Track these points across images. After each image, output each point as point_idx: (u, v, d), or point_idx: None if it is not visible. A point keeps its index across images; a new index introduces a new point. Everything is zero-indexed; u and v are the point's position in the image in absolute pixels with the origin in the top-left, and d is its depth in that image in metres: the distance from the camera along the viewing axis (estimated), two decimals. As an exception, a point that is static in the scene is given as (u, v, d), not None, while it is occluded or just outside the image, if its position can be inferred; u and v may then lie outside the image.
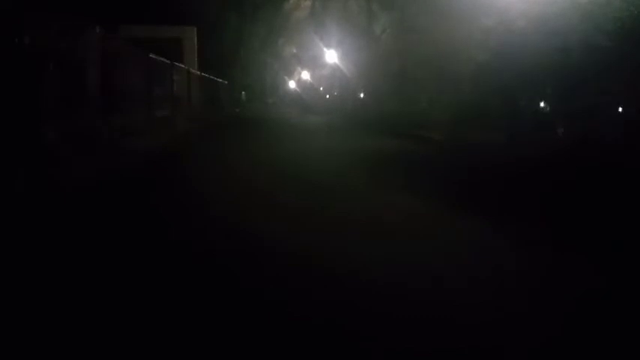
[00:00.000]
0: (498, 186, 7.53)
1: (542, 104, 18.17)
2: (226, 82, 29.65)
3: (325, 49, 32.02)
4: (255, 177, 8.14)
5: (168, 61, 14.04)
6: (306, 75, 44.72)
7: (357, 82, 27.47)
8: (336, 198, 6.59)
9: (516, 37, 13.49)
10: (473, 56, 15.11)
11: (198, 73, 20.96)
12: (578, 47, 12.65)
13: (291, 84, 51.87)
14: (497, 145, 13.12)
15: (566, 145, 12.86)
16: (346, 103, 29.71)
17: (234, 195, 6.51)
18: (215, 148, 11.79)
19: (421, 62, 18.12)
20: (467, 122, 16.39)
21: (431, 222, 5.49)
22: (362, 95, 27.81)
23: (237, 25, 34.25)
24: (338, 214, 5.65)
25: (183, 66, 17.22)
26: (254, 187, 7.36)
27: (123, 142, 9.60)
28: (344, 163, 10.23)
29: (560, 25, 12.59)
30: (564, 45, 12.67)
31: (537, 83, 14.07)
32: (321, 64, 37.39)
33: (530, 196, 6.67)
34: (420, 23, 19.41)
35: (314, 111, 35.09)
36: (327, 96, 42.98)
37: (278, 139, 14.94)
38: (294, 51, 45.42)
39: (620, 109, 14.98)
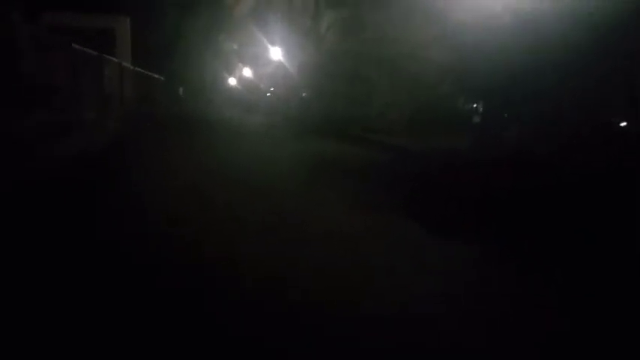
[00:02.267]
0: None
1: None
2: (163, 78, 27.90)
3: (269, 46, 30.83)
4: (189, 192, 7.01)
5: (96, 54, 12.50)
6: (247, 72, 43.27)
7: (302, 82, 26.43)
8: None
9: (481, 37, 12.83)
10: (431, 57, 14.43)
11: (132, 67, 19.30)
12: (540, 52, 12.19)
13: (232, 81, 50.18)
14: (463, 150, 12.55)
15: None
16: (290, 102, 28.66)
17: (162, 227, 5.40)
18: (147, 157, 10.44)
19: (373, 62, 17.30)
20: (424, 126, 15.75)
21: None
22: (304, 95, 26.84)
23: (176, 19, 32.49)
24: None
25: (114, 59, 15.62)
26: (186, 204, 6.27)
27: (39, 147, 8.15)
28: (300, 176, 9.24)
29: (526, 26, 12.05)
30: (530, 48, 12.17)
31: (502, 86, 13.53)
32: (263, 61, 36.10)
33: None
34: (370, 21, 18.62)
35: (256, 110, 33.87)
36: (268, 94, 41.78)
37: (218, 145, 13.67)
38: (235, 47, 43.81)
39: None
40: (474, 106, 20.27)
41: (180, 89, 39.61)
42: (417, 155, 11.85)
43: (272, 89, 40.05)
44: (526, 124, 14.36)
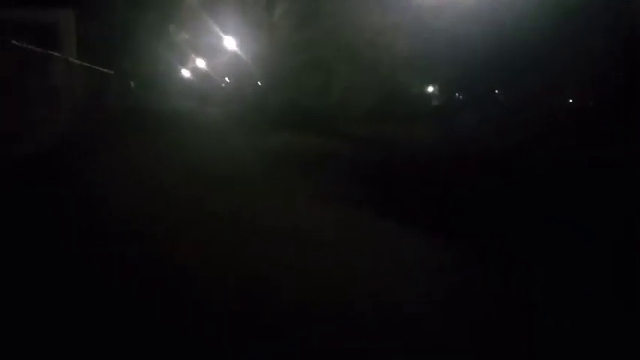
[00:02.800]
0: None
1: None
2: (113, 72, 26.90)
3: (222, 36, 30.14)
4: (150, 193, 6.66)
5: (40, 50, 11.82)
6: (201, 63, 42.32)
7: (257, 71, 25.93)
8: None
9: (442, 22, 12.70)
10: (393, 43, 14.24)
11: (80, 63, 18.46)
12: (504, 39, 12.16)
13: (186, 72, 49.01)
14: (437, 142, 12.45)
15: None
16: (245, 92, 28.15)
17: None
18: (105, 155, 9.97)
19: (330, 50, 17.03)
20: (384, 115, 15.61)
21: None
22: (260, 84, 26.39)
23: (124, 10, 31.32)
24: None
25: (60, 56, 14.87)
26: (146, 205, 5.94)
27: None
28: (259, 168, 8.97)
29: (490, 10, 11.95)
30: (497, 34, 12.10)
31: (465, 73, 13.48)
32: (216, 51, 35.34)
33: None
34: (325, 9, 18.31)
35: (212, 102, 33.20)
36: (223, 85, 41.02)
37: (179, 140, 13.24)
38: (187, 38, 42.69)
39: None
40: (432, 92, 20.31)
41: (132, 83, 38.41)
42: (378, 145, 11.71)
43: (226, 79, 39.33)
44: (489, 113, 14.38)
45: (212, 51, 35.92)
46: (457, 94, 19.57)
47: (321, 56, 17.76)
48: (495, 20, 11.69)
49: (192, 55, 43.05)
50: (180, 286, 3.73)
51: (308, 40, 18.93)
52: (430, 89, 20.72)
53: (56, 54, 14.18)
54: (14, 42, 10.31)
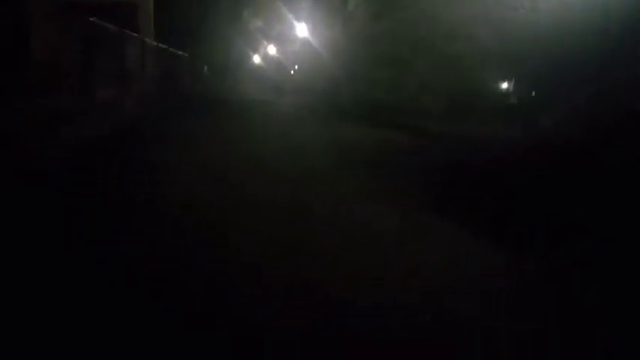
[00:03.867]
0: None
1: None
2: (187, 55, 27.16)
3: (295, 23, 29.88)
4: (218, 193, 6.22)
5: (117, 29, 11.75)
6: (272, 50, 42.35)
7: (331, 62, 25.38)
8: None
9: (528, 17, 11.82)
10: (474, 36, 13.34)
11: (155, 44, 18.55)
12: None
13: (257, 59, 49.30)
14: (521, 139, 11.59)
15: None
16: (317, 82, 27.73)
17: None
18: (172, 146, 9.71)
19: (408, 43, 16.24)
20: (462, 111, 14.74)
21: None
22: (332, 73, 25.87)
23: (200, -6, 31.65)
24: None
25: (136, 35, 14.87)
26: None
27: (50, 132, 7.47)
28: (335, 166, 8.41)
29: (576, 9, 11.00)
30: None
31: (550, 70, 12.53)
32: (288, 38, 35.18)
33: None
34: (407, 1, 17.52)
35: (282, 90, 33.06)
36: (292, 72, 40.79)
37: (252, 132, 12.90)
38: (260, 24, 42.82)
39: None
40: (506, 88, 19.14)
41: (205, 67, 38.89)
42: (458, 143, 10.94)
43: (296, 67, 39.06)
44: (571, 111, 13.40)
45: (285, 38, 35.85)
46: (533, 92, 18.44)
47: (397, 49, 16.99)
48: (584, 15, 10.70)
49: (265, 42, 43.19)
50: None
51: (384, 31, 18.20)
52: (504, 85, 19.59)
53: (133, 34, 14.17)
54: (94, 20, 10.24)
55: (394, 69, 17.57)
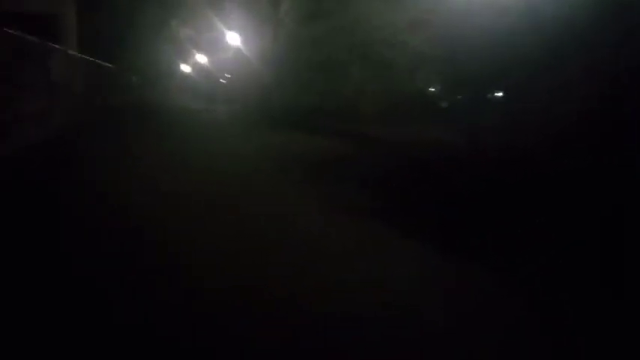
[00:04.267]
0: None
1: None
2: (115, 66, 26.34)
3: (226, 32, 29.53)
4: (154, 206, 6.06)
5: (38, 41, 11.23)
6: (202, 59, 41.74)
7: (262, 69, 25.26)
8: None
9: (466, 20, 12.06)
10: (408, 42, 13.64)
11: (80, 56, 17.88)
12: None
13: (186, 68, 48.43)
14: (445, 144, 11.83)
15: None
16: (249, 90, 27.54)
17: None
18: (103, 156, 9.40)
19: (343, 48, 16.41)
20: (398, 116, 15.02)
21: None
22: (263, 81, 25.78)
23: (126, 3, 30.73)
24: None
25: (60, 47, 14.28)
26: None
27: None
28: (272, 175, 8.36)
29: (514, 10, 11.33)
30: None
31: (486, 75, 12.90)
32: (219, 48, 34.74)
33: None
34: (333, 6, 17.69)
35: (213, 98, 32.62)
36: (224, 81, 40.33)
37: (177, 139, 12.64)
38: (189, 33, 42.09)
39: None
40: (435, 92, 19.70)
41: (134, 78, 37.86)
42: (397, 149, 11.13)
43: (228, 76, 38.65)
44: (507, 116, 13.86)
45: (215, 47, 35.36)
46: (459, 96, 19.05)
47: (331, 54, 17.16)
48: (522, 20, 11.11)
49: (195, 51, 42.48)
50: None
51: (317, 37, 18.34)
52: (432, 89, 20.16)
53: (55, 45, 13.59)
54: (10, 30, 9.72)
55: (329, 74, 17.73)
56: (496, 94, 17.31)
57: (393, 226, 5.51)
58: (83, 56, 18.38)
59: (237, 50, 28.37)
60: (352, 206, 6.27)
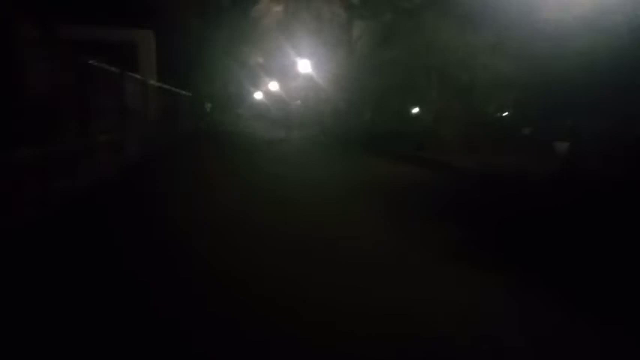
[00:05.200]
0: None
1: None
2: (189, 93, 26.78)
3: (298, 59, 29.51)
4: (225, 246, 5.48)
5: (116, 70, 11.20)
6: (274, 86, 42.07)
7: (335, 94, 24.83)
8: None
9: (543, 45, 11.22)
10: (488, 64, 12.77)
11: (157, 84, 18.07)
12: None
13: (258, 95, 49.08)
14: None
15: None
16: (323, 116, 27.19)
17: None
18: (177, 193, 9.04)
19: (419, 71, 15.70)
20: (480, 142, 14.06)
21: None
22: (338, 107, 25.32)
23: (199, 30, 31.40)
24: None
25: (137, 76, 14.35)
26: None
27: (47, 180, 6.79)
28: (353, 212, 7.66)
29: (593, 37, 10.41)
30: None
31: (565, 100, 11.88)
32: (290, 74, 34.83)
33: None
34: (407, 29, 17.06)
35: (286, 125, 32.54)
36: (296, 108, 40.31)
37: (267, 174, 12.21)
38: (261, 60, 42.66)
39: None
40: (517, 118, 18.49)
41: (207, 105, 38.62)
42: (488, 180, 10.15)
43: (298, 102, 38.64)
44: (587, 141, 12.75)
45: (287, 73, 35.46)
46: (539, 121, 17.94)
47: (408, 78, 16.44)
48: (600, 47, 10.13)
49: (265, 78, 42.92)
50: None
51: (390, 60, 17.70)
52: (505, 113, 18.98)
53: (134, 75, 13.65)
54: (90, 61, 9.66)
55: (404, 97, 17.02)
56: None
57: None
58: (160, 84, 18.60)
59: (310, 77, 28.23)
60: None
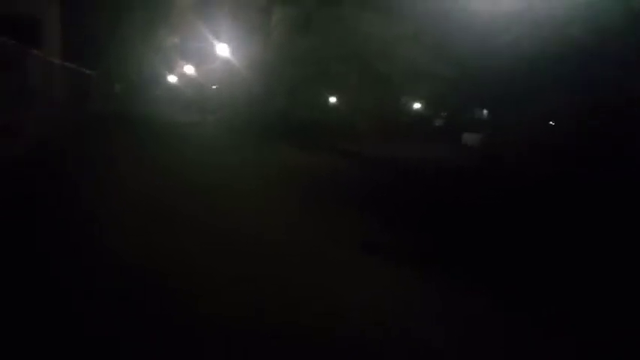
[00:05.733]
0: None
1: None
2: (97, 74, 25.43)
3: (215, 42, 28.79)
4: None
5: (16, 45, 10.39)
6: (190, 69, 40.88)
7: (251, 80, 24.46)
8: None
9: (465, 33, 11.55)
10: (407, 55, 13.02)
11: (62, 63, 17.00)
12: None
13: (172, 78, 47.48)
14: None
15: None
16: (238, 102, 26.76)
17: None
18: (81, 171, 8.58)
19: (336, 61, 15.75)
20: (394, 132, 14.36)
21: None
22: (252, 92, 24.97)
23: (112, 10, 29.87)
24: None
25: (40, 54, 13.42)
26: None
27: None
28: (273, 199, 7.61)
29: (518, 25, 10.86)
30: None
31: (485, 91, 12.39)
32: (207, 58, 33.95)
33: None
34: (325, 18, 17.09)
35: (200, 110, 31.79)
36: (211, 92, 39.39)
37: (164, 154, 11.84)
38: (176, 42, 41.23)
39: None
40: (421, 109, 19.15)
41: (117, 86, 36.91)
42: (402, 168, 10.42)
43: (215, 87, 37.76)
44: (504, 132, 13.43)
45: (203, 57, 34.52)
46: (444, 113, 18.76)
47: (324, 66, 16.48)
48: (526, 36, 10.60)
49: (182, 61, 41.56)
50: None
51: (309, 48, 17.69)
52: (417, 105, 19.63)
53: (35, 51, 12.74)
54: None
55: (321, 87, 17.07)
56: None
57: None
58: (64, 63, 17.51)
59: (227, 61, 27.65)
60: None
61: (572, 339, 3.59)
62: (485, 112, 16.89)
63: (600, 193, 7.44)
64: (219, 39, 27.85)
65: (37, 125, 11.90)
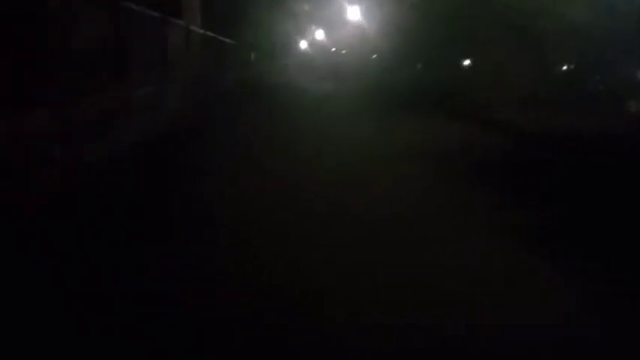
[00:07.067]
0: None
1: None
2: (233, 42, 25.99)
3: (345, 6, 28.13)
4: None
5: (157, 15, 10.50)
6: (320, 34, 40.72)
7: (383, 44, 23.40)
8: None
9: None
10: (562, 14, 11.36)
11: (201, 31, 17.35)
12: None
13: (303, 44, 47.80)
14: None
15: None
16: (369, 68, 25.98)
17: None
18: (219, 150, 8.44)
19: (478, 22, 14.30)
20: (544, 102, 12.83)
21: None
22: (386, 57, 23.96)
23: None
24: None
25: (180, 22, 13.66)
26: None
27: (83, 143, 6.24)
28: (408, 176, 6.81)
29: None
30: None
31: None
32: (338, 22, 33.46)
33: None
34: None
35: (331, 76, 31.46)
36: (341, 57, 38.88)
37: (303, 122, 11.52)
38: (307, 8, 41.19)
39: None
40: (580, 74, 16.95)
41: (252, 54, 37.76)
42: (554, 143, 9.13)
43: (344, 52, 37.22)
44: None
45: (334, 21, 34.06)
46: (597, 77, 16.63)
47: (468, 28, 15.08)
48: None
49: (313, 26, 41.50)
50: None
51: (450, 8, 16.33)
52: (564, 68, 17.37)
53: (177, 20, 12.96)
54: (131, 5, 8.99)
55: (463, 51, 15.79)
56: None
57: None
58: (205, 32, 17.87)
59: (358, 25, 26.91)
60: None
61: None
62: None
63: None
64: (350, 3, 27.13)
65: (177, 97, 12.16)
